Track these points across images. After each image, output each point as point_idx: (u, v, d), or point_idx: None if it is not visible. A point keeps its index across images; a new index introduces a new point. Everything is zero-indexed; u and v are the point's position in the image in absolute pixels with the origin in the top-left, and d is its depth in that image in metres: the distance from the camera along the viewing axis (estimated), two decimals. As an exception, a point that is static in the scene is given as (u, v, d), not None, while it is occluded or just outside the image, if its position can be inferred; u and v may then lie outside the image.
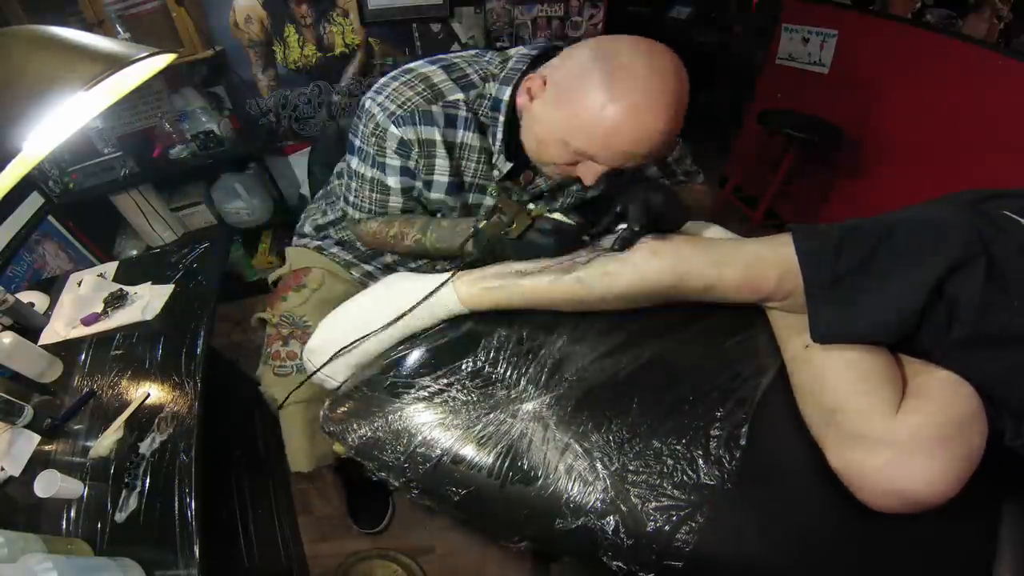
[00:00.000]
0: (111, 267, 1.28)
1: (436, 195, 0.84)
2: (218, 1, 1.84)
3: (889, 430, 0.56)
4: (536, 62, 0.75)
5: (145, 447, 0.84)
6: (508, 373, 0.70)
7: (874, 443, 0.56)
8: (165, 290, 1.15)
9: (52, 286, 1.24)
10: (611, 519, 0.58)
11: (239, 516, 1.14)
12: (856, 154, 2.14)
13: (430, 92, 0.74)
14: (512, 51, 0.78)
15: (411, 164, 0.80)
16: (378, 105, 0.75)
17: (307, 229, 1.13)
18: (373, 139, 0.78)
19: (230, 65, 1.95)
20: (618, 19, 2.29)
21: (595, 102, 0.61)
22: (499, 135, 0.76)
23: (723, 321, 0.76)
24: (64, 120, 0.52)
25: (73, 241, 1.73)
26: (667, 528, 0.57)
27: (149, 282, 1.18)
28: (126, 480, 0.80)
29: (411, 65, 0.78)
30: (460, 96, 0.75)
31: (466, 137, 0.78)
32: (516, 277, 0.73)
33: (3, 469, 0.83)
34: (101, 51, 0.51)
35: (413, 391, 0.69)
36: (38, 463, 0.84)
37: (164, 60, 0.61)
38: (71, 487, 0.77)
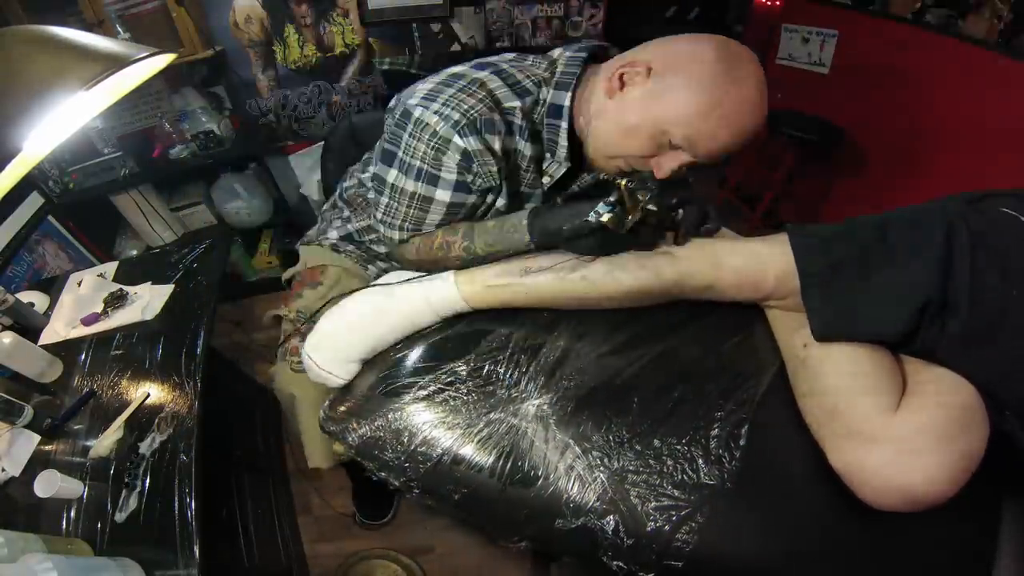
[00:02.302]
0: (111, 267, 1.28)
1: (501, 202, 0.81)
2: (218, 1, 1.84)
3: (889, 428, 0.56)
4: (585, 63, 0.74)
5: (145, 447, 0.84)
6: (509, 373, 0.70)
7: (874, 441, 0.56)
8: (165, 290, 1.15)
9: (52, 286, 1.24)
10: (611, 519, 0.58)
11: (239, 516, 1.14)
12: (856, 154, 2.14)
13: (491, 99, 0.71)
14: (555, 54, 0.77)
15: (469, 179, 0.74)
16: (435, 113, 0.69)
17: (332, 235, 1.07)
18: (428, 150, 0.71)
19: (230, 65, 1.95)
20: (618, 19, 2.28)
21: (710, 94, 0.62)
22: (562, 140, 0.75)
23: (723, 321, 0.76)
24: (64, 120, 0.52)
25: (73, 241, 1.73)
26: (667, 528, 0.57)
27: (149, 282, 1.18)
28: (126, 480, 0.80)
29: (458, 70, 0.75)
30: (517, 104, 0.72)
31: (521, 145, 0.76)
32: (520, 275, 0.73)
33: (3, 469, 0.83)
34: (101, 51, 0.51)
35: (413, 390, 0.69)
36: (38, 463, 0.84)
37: (164, 60, 0.61)
38: (71, 487, 0.77)
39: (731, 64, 0.62)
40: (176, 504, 0.76)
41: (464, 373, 0.70)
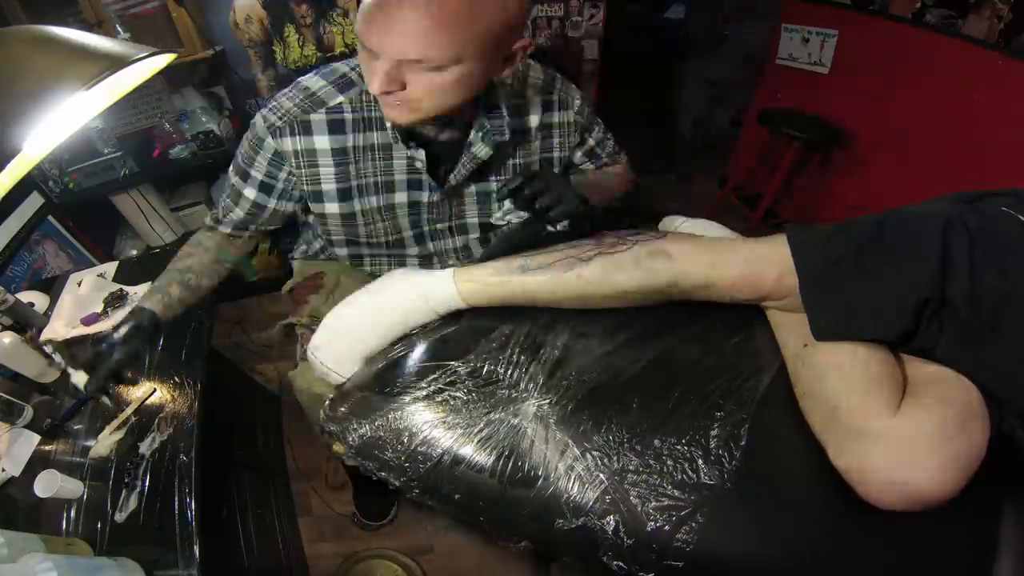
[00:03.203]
0: (111, 267, 1.28)
1: (329, 206, 0.78)
2: (218, 1, 1.84)
3: (891, 427, 0.56)
4: None
5: (145, 447, 0.84)
6: (509, 372, 0.70)
7: (876, 440, 0.56)
8: (165, 290, 1.15)
9: (52, 286, 1.24)
10: (611, 519, 0.58)
11: (239, 516, 1.14)
12: (856, 154, 2.14)
13: (309, 101, 0.72)
14: None
15: (277, 184, 0.78)
16: (260, 116, 0.74)
17: (302, 251, 1.08)
18: (247, 147, 0.76)
19: (230, 65, 1.95)
20: (618, 19, 2.28)
21: None
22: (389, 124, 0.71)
23: (723, 321, 0.76)
24: (64, 120, 0.52)
25: (73, 241, 1.73)
26: (667, 528, 0.57)
27: (149, 282, 1.18)
28: (126, 480, 0.80)
29: (300, 79, 0.75)
30: (341, 98, 0.71)
31: (356, 139, 0.73)
32: (517, 273, 0.73)
33: (3, 469, 0.83)
34: (101, 51, 0.51)
35: (414, 390, 0.69)
36: (38, 463, 0.84)
37: (164, 60, 0.61)
38: (71, 487, 0.77)
39: None
40: (176, 504, 0.76)
41: (464, 373, 0.70)
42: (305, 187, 0.77)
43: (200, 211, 2.08)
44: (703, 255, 0.70)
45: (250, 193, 0.80)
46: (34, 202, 1.61)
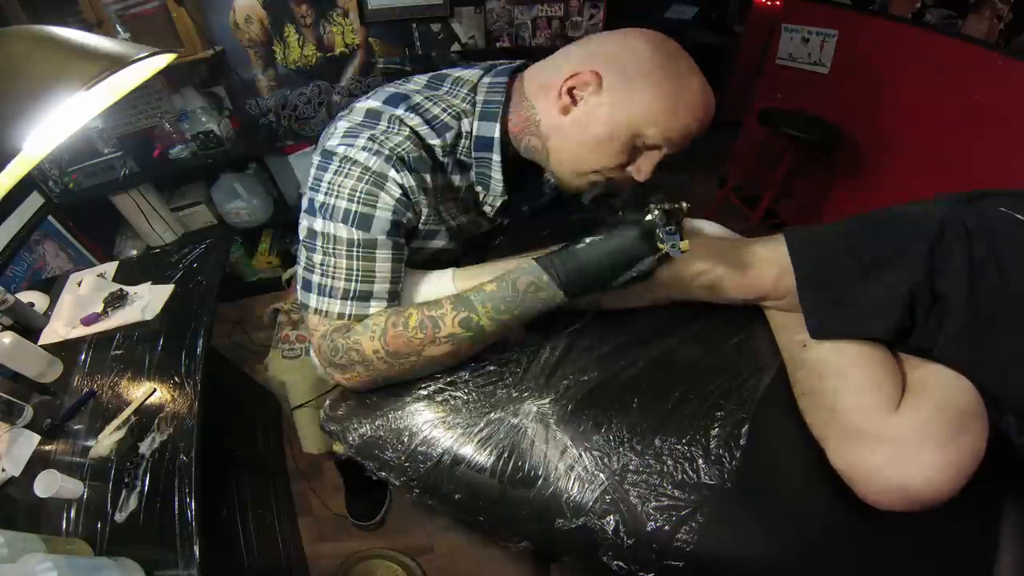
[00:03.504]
0: (111, 267, 1.28)
1: (440, 242, 0.74)
2: (218, 1, 1.84)
3: (890, 427, 0.56)
4: (508, 85, 0.69)
5: (145, 447, 0.84)
6: (509, 372, 0.70)
7: (875, 440, 0.56)
8: (165, 290, 1.15)
9: (52, 286, 1.24)
10: (611, 519, 0.58)
11: (239, 516, 1.14)
12: (856, 154, 2.14)
13: (415, 136, 0.66)
14: (473, 78, 0.70)
15: (405, 220, 0.66)
16: (362, 150, 0.63)
17: None
18: (359, 185, 0.62)
19: (230, 65, 1.95)
20: (617, 19, 2.29)
21: (671, 88, 0.61)
22: (495, 174, 0.70)
23: (723, 321, 0.76)
24: (64, 120, 0.52)
25: (73, 241, 1.73)
26: (667, 528, 0.57)
27: (149, 282, 1.18)
28: (126, 480, 0.80)
29: (373, 106, 0.67)
30: (438, 142, 0.67)
31: (444, 180, 0.71)
32: None
33: (3, 469, 0.83)
34: (101, 51, 0.51)
35: (414, 390, 0.69)
36: (38, 463, 0.84)
37: (164, 60, 0.61)
38: (71, 487, 0.77)
39: (669, 55, 0.62)
40: (176, 504, 0.76)
41: (465, 373, 0.70)
42: (418, 224, 0.70)
43: (200, 211, 2.08)
44: (703, 255, 0.70)
45: (384, 240, 0.65)
46: (34, 202, 1.61)
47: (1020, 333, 0.58)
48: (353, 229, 0.63)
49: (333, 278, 0.64)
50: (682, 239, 0.59)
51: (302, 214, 0.67)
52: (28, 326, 1.08)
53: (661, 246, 0.58)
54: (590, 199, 0.89)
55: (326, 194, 0.63)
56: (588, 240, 0.61)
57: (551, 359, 0.71)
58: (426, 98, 0.69)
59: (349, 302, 0.65)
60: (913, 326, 0.62)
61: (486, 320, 0.62)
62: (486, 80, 0.70)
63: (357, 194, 0.62)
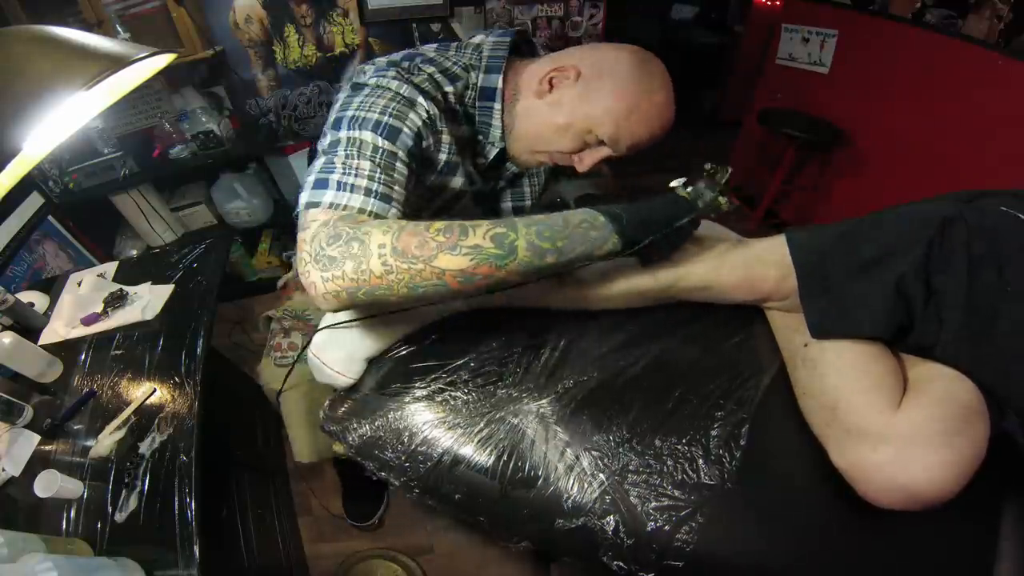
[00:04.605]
0: (111, 267, 1.28)
1: (459, 180, 0.78)
2: (218, 1, 1.84)
3: (891, 426, 0.56)
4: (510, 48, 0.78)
5: (145, 447, 0.84)
6: (509, 373, 0.70)
7: (877, 439, 0.56)
8: (165, 290, 1.15)
9: (52, 286, 1.24)
10: (611, 519, 0.58)
11: (239, 516, 1.14)
12: (856, 154, 2.14)
13: (433, 81, 0.72)
14: (477, 39, 0.79)
15: (424, 145, 0.69)
16: (394, 79, 0.66)
17: None
18: (390, 104, 0.64)
19: (230, 65, 1.95)
20: (617, 19, 2.29)
21: (634, 96, 0.69)
22: (495, 121, 0.77)
23: (723, 321, 0.76)
24: (64, 120, 0.52)
25: (73, 241, 1.73)
26: (667, 528, 0.57)
27: (149, 282, 1.18)
28: (126, 480, 0.80)
29: (394, 57, 0.74)
30: (451, 88, 0.74)
31: (454, 129, 0.76)
32: None
33: (3, 469, 0.83)
34: (101, 51, 0.51)
35: (414, 390, 0.69)
36: (38, 463, 0.84)
37: (164, 60, 0.61)
38: (71, 487, 0.77)
39: (646, 71, 0.70)
40: (176, 504, 0.76)
41: (464, 373, 0.70)
42: (434, 154, 0.74)
43: (200, 211, 2.08)
44: (704, 256, 0.70)
45: (403, 155, 0.64)
46: (34, 202, 1.61)
47: (1020, 331, 0.58)
48: (379, 137, 0.63)
49: (356, 175, 0.60)
50: (721, 197, 0.66)
51: (325, 130, 0.66)
52: (28, 326, 1.08)
53: (707, 203, 0.66)
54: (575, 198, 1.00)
55: (357, 109, 0.64)
56: (647, 199, 0.65)
57: (551, 359, 0.71)
58: (438, 53, 0.77)
59: (371, 199, 0.59)
60: (913, 325, 0.62)
61: (523, 241, 0.53)
62: (490, 39, 0.78)
63: (389, 110, 0.64)
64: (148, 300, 1.12)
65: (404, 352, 0.75)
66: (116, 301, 1.12)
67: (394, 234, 0.53)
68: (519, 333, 0.74)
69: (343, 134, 0.63)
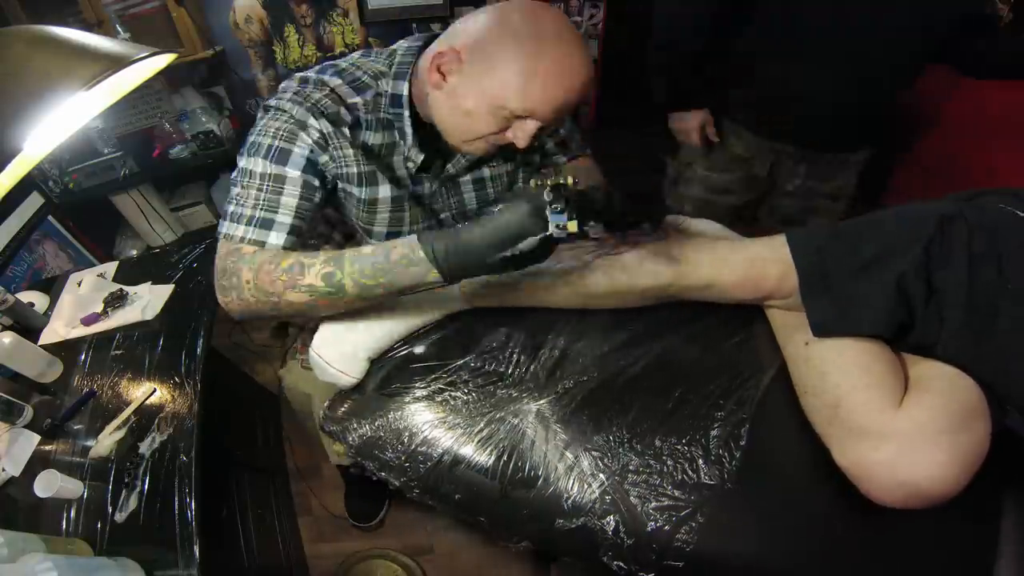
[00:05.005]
0: (111, 267, 1.28)
1: (355, 189, 0.77)
2: (218, 1, 1.84)
3: (893, 424, 0.56)
4: (421, 52, 0.75)
5: (145, 447, 0.84)
6: (509, 373, 0.70)
7: (879, 437, 0.56)
8: (165, 290, 1.15)
9: (52, 286, 1.24)
10: (611, 519, 0.58)
11: (239, 516, 1.14)
12: (856, 154, 2.14)
13: (334, 95, 0.73)
14: (396, 45, 0.78)
15: (323, 159, 0.72)
16: (288, 101, 0.70)
17: None
18: (283, 126, 0.69)
19: (230, 65, 1.95)
20: (617, 19, 2.28)
21: (529, 59, 0.62)
22: (408, 129, 0.76)
23: (723, 321, 0.76)
24: (64, 120, 0.52)
25: (73, 241, 1.73)
26: (667, 528, 0.57)
27: (149, 282, 1.18)
28: (126, 480, 0.80)
29: (306, 74, 0.75)
30: (358, 99, 0.74)
31: (371, 137, 0.76)
32: (518, 274, 0.73)
33: (3, 469, 0.83)
34: (101, 51, 0.51)
35: (414, 390, 0.69)
36: (38, 463, 0.84)
37: (164, 60, 0.61)
38: (71, 487, 0.77)
39: (534, 30, 0.62)
40: (176, 504, 0.76)
41: (465, 373, 0.70)
42: (341, 169, 0.75)
43: (200, 211, 2.08)
44: (704, 256, 0.70)
45: (294, 174, 0.70)
46: (34, 202, 1.61)
47: (1021, 329, 0.58)
48: (269, 163, 0.69)
49: (243, 206, 0.68)
50: (571, 218, 0.55)
51: (240, 152, 0.73)
52: (28, 326, 1.08)
53: (555, 227, 0.55)
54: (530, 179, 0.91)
55: (256, 134, 0.71)
56: (483, 218, 0.60)
57: (551, 359, 0.71)
58: (353, 64, 0.77)
59: (251, 228, 0.67)
60: (914, 323, 0.62)
61: (348, 281, 0.61)
62: (404, 44, 0.77)
63: (280, 132, 0.69)
64: (148, 300, 1.12)
65: (404, 352, 0.75)
66: (116, 301, 1.12)
67: (254, 272, 0.63)
68: (519, 333, 0.74)
69: (241, 163, 0.71)
